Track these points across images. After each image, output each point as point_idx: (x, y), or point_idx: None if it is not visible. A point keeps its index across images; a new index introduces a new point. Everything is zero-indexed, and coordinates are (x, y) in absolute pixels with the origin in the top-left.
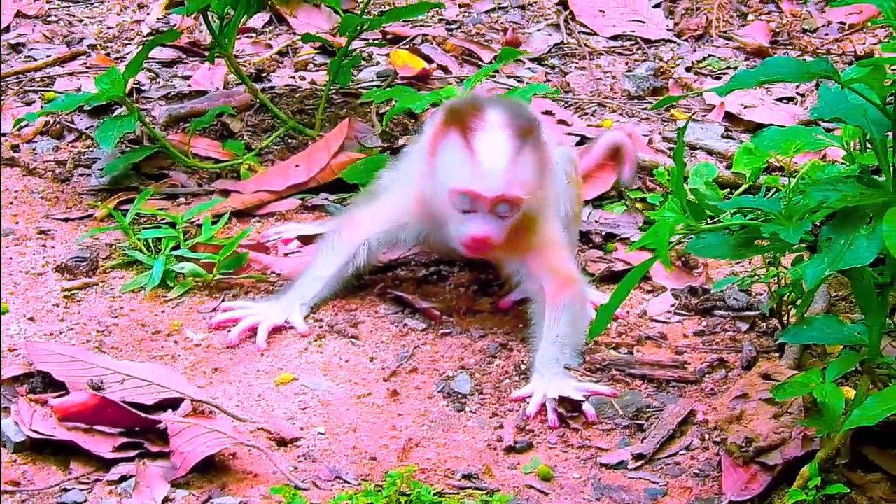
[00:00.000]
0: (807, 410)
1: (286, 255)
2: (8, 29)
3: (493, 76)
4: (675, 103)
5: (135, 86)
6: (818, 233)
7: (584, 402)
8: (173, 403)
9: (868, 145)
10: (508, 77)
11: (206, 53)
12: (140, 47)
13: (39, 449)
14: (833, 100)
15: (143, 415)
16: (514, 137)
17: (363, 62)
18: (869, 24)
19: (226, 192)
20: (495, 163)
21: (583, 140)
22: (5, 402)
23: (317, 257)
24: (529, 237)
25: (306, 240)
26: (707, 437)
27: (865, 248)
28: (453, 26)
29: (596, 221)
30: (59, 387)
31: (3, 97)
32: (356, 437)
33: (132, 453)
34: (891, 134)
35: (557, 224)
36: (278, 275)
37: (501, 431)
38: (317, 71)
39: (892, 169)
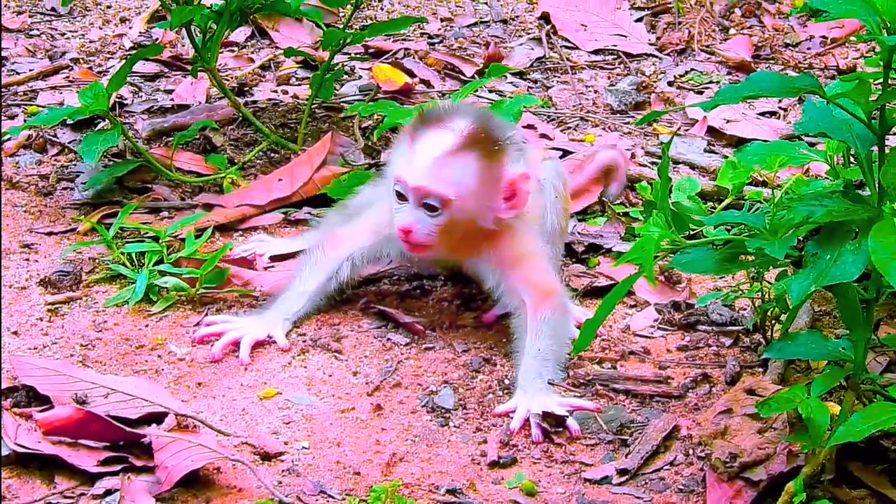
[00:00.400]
0: (791, 426)
1: (265, 268)
2: None
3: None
4: (657, 118)
5: (117, 100)
6: (803, 248)
7: (567, 417)
8: (157, 418)
9: (852, 160)
10: (491, 91)
11: (189, 67)
12: (123, 61)
13: (24, 463)
14: (818, 115)
15: (127, 429)
16: (459, 140)
17: (345, 76)
18: (852, 38)
19: (209, 206)
20: (426, 156)
21: (565, 154)
22: None
23: (299, 272)
24: (507, 250)
25: (279, 257)
26: (691, 452)
27: (851, 264)
28: (435, 40)
29: (578, 233)
30: (44, 400)
31: None
32: (340, 451)
33: (117, 467)
34: (876, 149)
35: (537, 237)
36: (261, 290)
37: (485, 446)
38: (299, 85)
39: (876, 184)
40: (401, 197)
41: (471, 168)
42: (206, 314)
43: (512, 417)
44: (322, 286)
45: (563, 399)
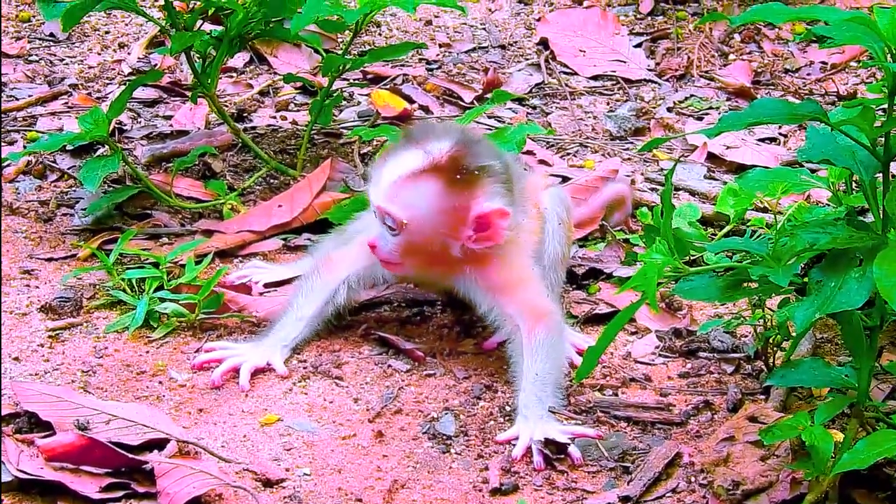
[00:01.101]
0: (794, 453)
1: (261, 294)
2: None
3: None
4: (658, 145)
5: (117, 125)
6: (805, 275)
7: (569, 444)
8: (159, 444)
9: (854, 187)
10: (490, 117)
11: (188, 93)
12: (122, 87)
13: (26, 489)
14: (821, 141)
15: (129, 455)
16: (424, 164)
17: (344, 102)
18: (852, 63)
19: (209, 233)
20: (388, 176)
21: (564, 180)
22: None
23: (296, 298)
24: (496, 275)
25: (275, 283)
26: (693, 479)
27: (856, 291)
28: (434, 66)
29: (579, 258)
30: (46, 427)
31: None
32: (342, 478)
33: (119, 494)
34: (880, 175)
35: (528, 262)
36: (257, 315)
37: (487, 473)
38: (298, 111)
39: (881, 211)
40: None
41: (430, 194)
42: (207, 340)
43: (514, 445)
44: (319, 311)
45: (565, 426)
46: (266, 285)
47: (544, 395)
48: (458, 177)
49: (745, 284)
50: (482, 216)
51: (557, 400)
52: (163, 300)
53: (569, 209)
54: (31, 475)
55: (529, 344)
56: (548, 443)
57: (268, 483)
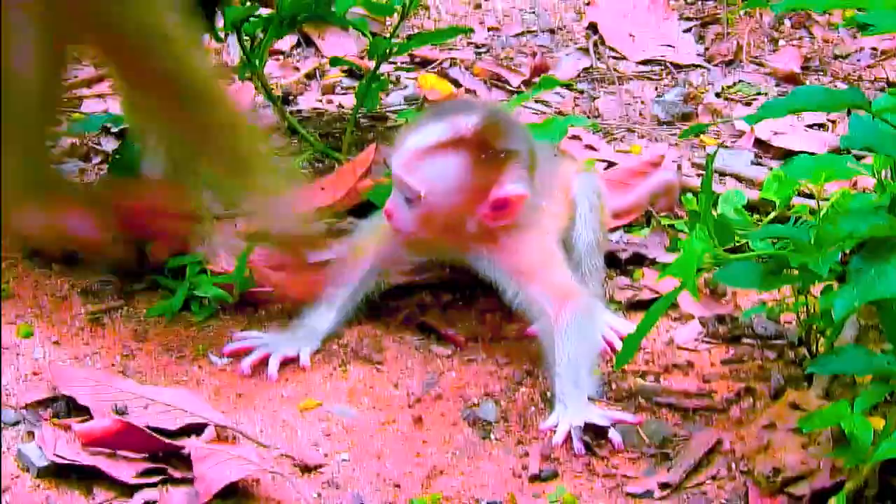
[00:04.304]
0: (835, 441)
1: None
2: None
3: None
4: (702, 130)
5: None
6: (848, 262)
7: (609, 428)
8: (197, 429)
9: None
10: (536, 101)
11: (234, 75)
12: None
13: (63, 474)
14: (864, 129)
15: (166, 440)
16: (451, 138)
17: (391, 85)
18: None
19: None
20: (410, 146)
21: (610, 165)
22: (29, 427)
23: (327, 285)
24: (517, 257)
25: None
26: (734, 466)
27: (895, 279)
28: (482, 50)
29: (624, 243)
30: (84, 411)
31: None
32: (380, 464)
33: (156, 479)
34: None
35: (553, 245)
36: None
37: (527, 459)
38: (344, 94)
39: None
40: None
41: (451, 169)
42: (247, 324)
43: (555, 432)
44: (350, 297)
45: (605, 412)
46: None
47: (580, 378)
48: (483, 156)
49: (787, 271)
50: (501, 199)
51: (594, 385)
52: (203, 283)
53: (601, 195)
54: (68, 460)
55: (558, 328)
56: (587, 428)
57: (306, 469)
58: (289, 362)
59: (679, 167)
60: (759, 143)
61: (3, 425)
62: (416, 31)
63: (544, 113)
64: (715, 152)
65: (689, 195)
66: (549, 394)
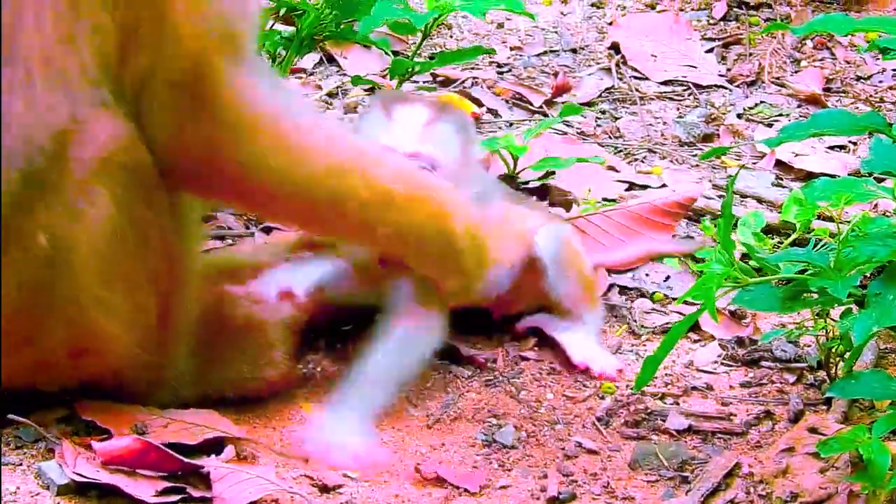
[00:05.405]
0: (853, 466)
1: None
2: None
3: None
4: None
5: None
6: (867, 286)
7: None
8: (216, 444)
9: None
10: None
11: None
12: None
13: (83, 492)
14: (885, 152)
15: (185, 459)
16: (438, 108)
17: None
18: None
19: (267, 230)
20: (406, 124)
21: (631, 186)
22: (50, 444)
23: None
24: None
25: None
26: (752, 490)
27: None
28: (504, 69)
29: (647, 275)
30: (104, 429)
31: None
32: (399, 484)
33: (175, 498)
34: None
35: None
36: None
37: (545, 482)
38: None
39: None
40: None
41: (450, 135)
42: None
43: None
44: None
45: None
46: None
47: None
48: (463, 122)
49: (806, 295)
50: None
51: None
52: None
53: (569, 245)
54: (88, 478)
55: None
56: None
57: (324, 489)
58: (309, 380)
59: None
60: (781, 165)
61: (23, 442)
62: (438, 50)
63: (566, 133)
64: (734, 177)
65: (707, 221)
66: (569, 416)
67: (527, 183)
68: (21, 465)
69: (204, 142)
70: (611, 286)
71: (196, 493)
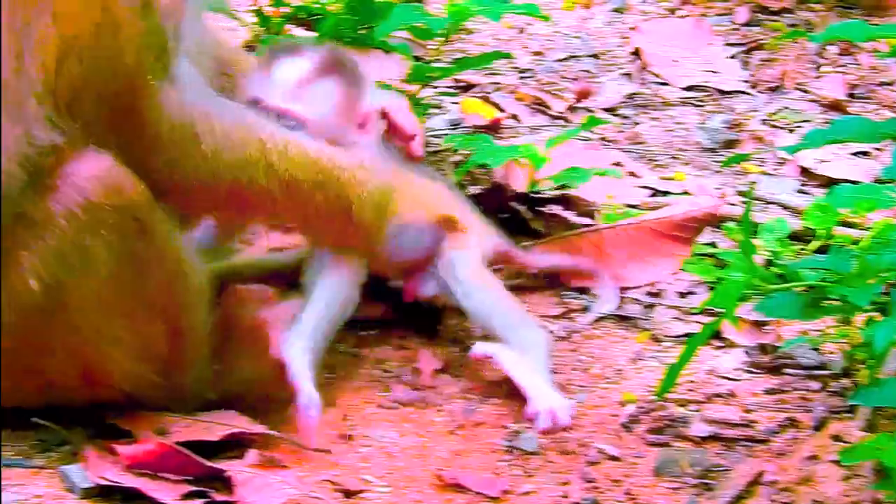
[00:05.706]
0: (877, 474)
1: None
2: None
3: (565, 127)
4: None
5: None
6: (890, 293)
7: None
8: (238, 443)
9: None
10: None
11: None
12: None
13: (107, 495)
14: None
15: (208, 463)
16: (317, 67)
17: (434, 110)
18: None
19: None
20: (279, 80)
21: (654, 193)
22: (74, 448)
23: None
24: None
25: None
26: (775, 498)
27: None
28: (526, 74)
29: (668, 284)
30: (126, 431)
31: None
32: (420, 490)
33: (198, 501)
34: None
35: None
36: None
37: (567, 488)
38: None
39: None
40: None
41: (328, 93)
42: None
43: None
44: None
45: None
46: None
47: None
48: (349, 78)
49: (828, 302)
50: (367, 114)
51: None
52: None
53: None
54: (112, 482)
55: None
56: None
57: (347, 494)
58: (330, 385)
59: (723, 194)
60: (804, 171)
61: (47, 446)
62: (459, 55)
63: (588, 139)
64: (753, 185)
65: (731, 225)
66: (590, 424)
67: (541, 192)
68: (46, 468)
69: (129, 151)
70: (625, 290)
71: (219, 497)
